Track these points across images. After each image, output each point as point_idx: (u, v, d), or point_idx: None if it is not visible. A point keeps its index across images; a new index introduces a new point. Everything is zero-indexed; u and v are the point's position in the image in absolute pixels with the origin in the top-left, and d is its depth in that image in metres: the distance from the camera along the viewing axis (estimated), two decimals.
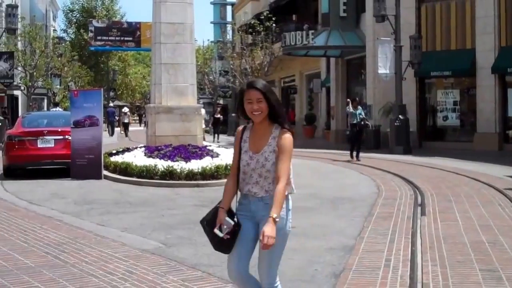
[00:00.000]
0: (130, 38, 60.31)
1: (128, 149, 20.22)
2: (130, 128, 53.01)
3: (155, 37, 19.93)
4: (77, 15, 79.56)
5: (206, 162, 17.27)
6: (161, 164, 17.09)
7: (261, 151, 4.97)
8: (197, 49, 47.29)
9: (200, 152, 18.24)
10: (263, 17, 39.66)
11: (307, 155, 26.59)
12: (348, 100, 24.98)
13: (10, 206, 13.66)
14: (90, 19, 66.89)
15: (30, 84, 44.97)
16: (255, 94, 4.88)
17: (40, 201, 14.18)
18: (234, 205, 5.13)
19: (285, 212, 5.02)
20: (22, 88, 46.64)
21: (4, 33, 35.79)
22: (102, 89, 23.40)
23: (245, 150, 5.05)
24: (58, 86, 54.89)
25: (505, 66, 28.80)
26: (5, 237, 10.11)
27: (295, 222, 10.80)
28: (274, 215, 4.73)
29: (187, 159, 17.44)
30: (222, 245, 5.00)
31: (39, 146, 18.80)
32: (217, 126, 43.05)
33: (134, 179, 17.07)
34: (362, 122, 24.33)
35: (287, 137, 4.93)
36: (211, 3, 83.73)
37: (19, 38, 44.03)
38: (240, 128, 5.20)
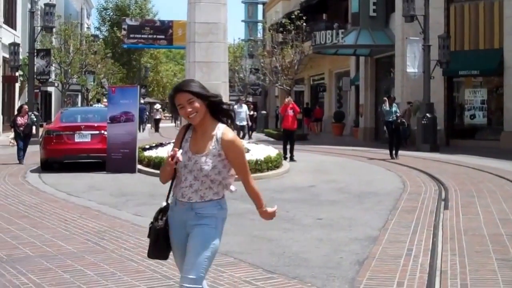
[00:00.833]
0: (163, 36, 60.64)
1: (161, 144, 20.69)
2: (162, 125, 53.48)
3: (189, 36, 20.19)
4: (111, 13, 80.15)
5: None
6: None
7: (201, 153, 4.60)
8: (228, 47, 47.62)
9: None
10: (294, 16, 39.86)
11: (335, 152, 26.98)
12: (385, 98, 24.62)
13: (50, 197, 14.13)
14: (124, 17, 67.36)
15: (65, 80, 45.63)
16: (184, 97, 4.55)
17: (78, 193, 14.62)
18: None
19: (216, 221, 4.70)
20: (56, 84, 47.34)
21: (41, 31, 36.45)
22: (138, 86, 23.92)
23: (185, 150, 4.67)
24: (92, 83, 55.56)
25: None
26: (47, 225, 10.59)
27: (322, 215, 11.39)
28: (264, 208, 4.79)
29: None
30: (157, 250, 4.78)
31: (76, 140, 19.36)
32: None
33: None
34: (398, 120, 23.80)
35: (231, 135, 4.60)
36: (243, 1, 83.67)
37: (54, 35, 44.65)
38: (184, 126, 4.87)
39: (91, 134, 19.51)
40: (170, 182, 4.78)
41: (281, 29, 42.18)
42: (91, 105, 50.86)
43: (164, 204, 4.81)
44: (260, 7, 79.36)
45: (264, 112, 53.77)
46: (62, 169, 19.31)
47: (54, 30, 37.16)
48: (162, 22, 62.69)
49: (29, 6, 34.39)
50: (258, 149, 19.37)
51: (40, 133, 22.37)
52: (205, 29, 19.76)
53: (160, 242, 4.73)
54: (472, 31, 32.13)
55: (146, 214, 11.42)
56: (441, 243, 9.14)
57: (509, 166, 20.48)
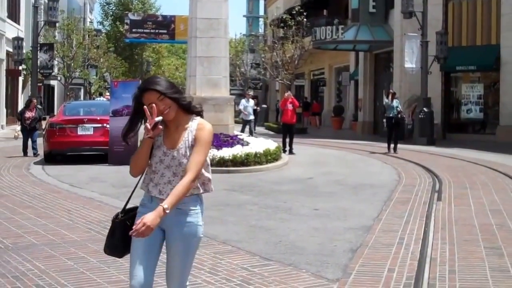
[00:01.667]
0: (165, 31, 60.65)
1: None
2: None
3: (191, 32, 20.42)
4: (113, 8, 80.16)
5: (237, 150, 17.79)
6: None
7: (176, 147, 4.38)
8: (229, 41, 47.82)
9: (231, 141, 18.77)
10: (294, 12, 40.10)
11: (334, 145, 27.22)
12: (390, 91, 24.70)
13: (53, 188, 14.38)
14: (126, 12, 67.45)
15: (68, 74, 45.86)
16: (154, 95, 4.28)
17: (81, 184, 14.89)
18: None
19: (197, 217, 4.48)
20: (59, 78, 47.56)
21: (44, 26, 36.68)
22: (140, 80, 24.15)
23: (158, 145, 4.41)
24: (94, 77, 55.76)
25: None
26: (51, 215, 10.85)
27: (319, 205, 11.70)
28: (165, 206, 4.16)
29: (218, 147, 17.86)
30: (115, 247, 4.53)
31: (79, 133, 19.69)
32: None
33: None
34: (399, 115, 23.80)
35: (206, 128, 4.38)
36: None
37: (58, 30, 44.85)
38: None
39: (94, 127, 19.82)
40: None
41: (282, 24, 42.35)
42: (93, 99, 51.09)
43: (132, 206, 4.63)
44: (261, 2, 79.34)
45: (264, 106, 53.99)
46: (65, 162, 19.54)
47: (57, 24, 37.29)
48: (165, 17, 62.72)
49: (32, 1, 34.49)
50: (257, 142, 19.64)
51: (43, 126, 22.60)
52: (206, 25, 20.00)
53: (116, 237, 4.51)
54: (469, 28, 32.42)
55: None
56: (432, 232, 9.41)
57: (504, 160, 20.69)
